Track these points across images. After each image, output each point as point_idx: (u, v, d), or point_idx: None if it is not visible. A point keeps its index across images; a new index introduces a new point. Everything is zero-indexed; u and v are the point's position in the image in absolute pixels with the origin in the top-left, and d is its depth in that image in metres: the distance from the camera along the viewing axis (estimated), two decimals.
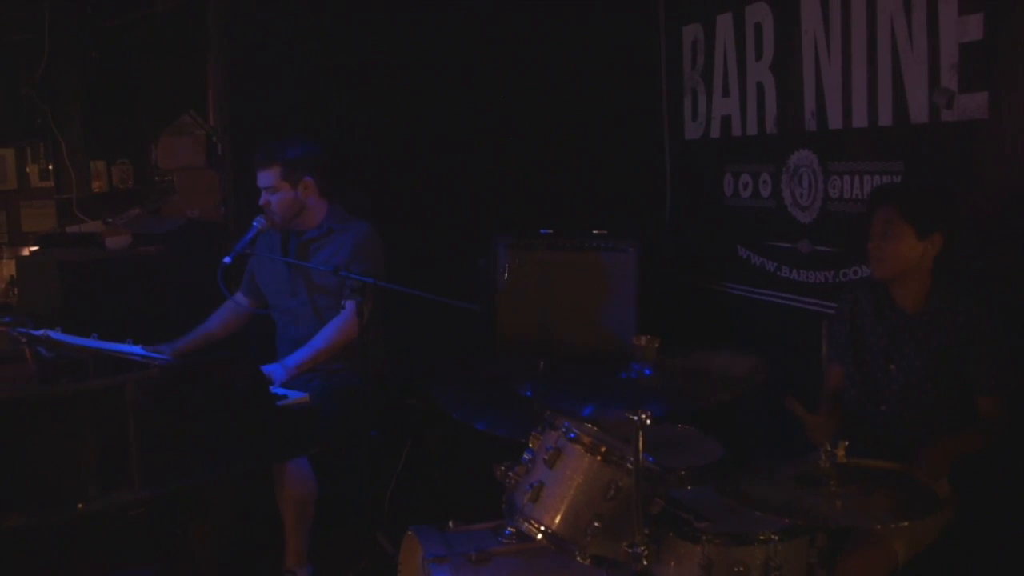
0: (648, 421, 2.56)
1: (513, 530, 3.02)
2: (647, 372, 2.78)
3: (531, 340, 4.62)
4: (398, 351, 4.28)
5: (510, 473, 2.88)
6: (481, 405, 3.31)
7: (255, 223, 3.95)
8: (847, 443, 2.63)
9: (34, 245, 5.85)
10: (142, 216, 5.82)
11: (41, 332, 3.52)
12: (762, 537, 2.68)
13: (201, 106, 5.91)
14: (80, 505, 2.81)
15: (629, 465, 2.70)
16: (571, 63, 5.12)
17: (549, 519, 2.75)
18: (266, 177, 3.92)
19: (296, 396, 3.47)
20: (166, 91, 6.21)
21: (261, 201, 3.97)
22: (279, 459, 3.51)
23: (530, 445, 2.89)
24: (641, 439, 2.58)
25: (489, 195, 5.02)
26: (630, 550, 2.64)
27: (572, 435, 2.80)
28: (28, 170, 6.66)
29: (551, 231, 4.74)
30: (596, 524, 2.70)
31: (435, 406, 3.46)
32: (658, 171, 5.27)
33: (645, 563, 2.61)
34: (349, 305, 3.81)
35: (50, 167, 6.58)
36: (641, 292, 4.51)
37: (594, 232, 4.67)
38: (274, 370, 3.69)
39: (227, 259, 3.75)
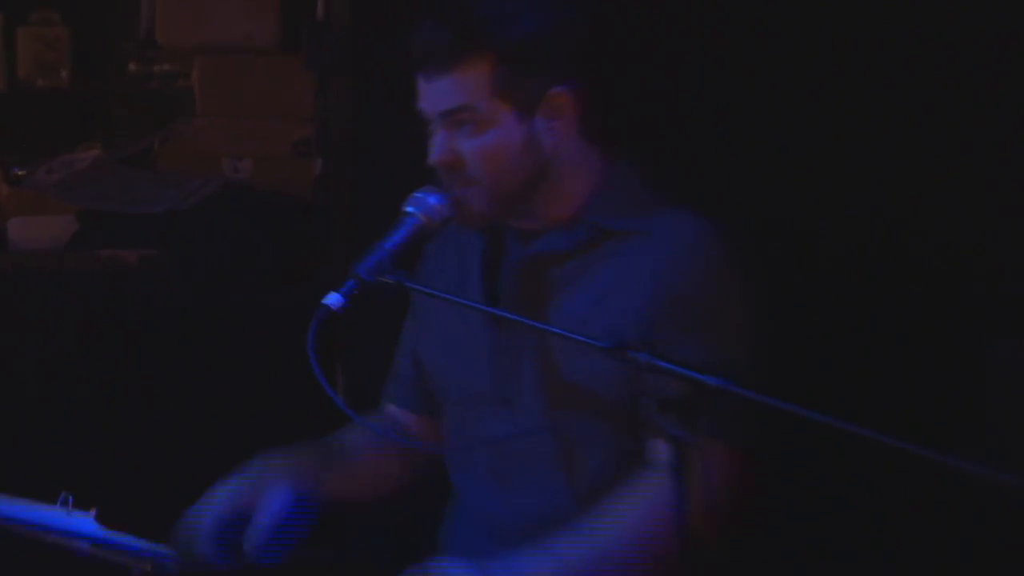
0: None
1: None
2: None
3: None
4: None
5: None
6: None
7: (412, 208, 3.30)
8: None
9: None
10: (105, 168, 5.17)
11: None
12: None
13: None
14: None
15: None
16: None
17: None
18: (451, 87, 3.37)
19: None
20: None
21: (436, 154, 3.34)
22: None
23: None
24: None
25: None
26: None
27: None
28: None
29: None
30: None
31: None
32: None
33: None
34: (663, 450, 3.13)
35: None
36: None
37: None
38: None
39: (334, 298, 3.15)
